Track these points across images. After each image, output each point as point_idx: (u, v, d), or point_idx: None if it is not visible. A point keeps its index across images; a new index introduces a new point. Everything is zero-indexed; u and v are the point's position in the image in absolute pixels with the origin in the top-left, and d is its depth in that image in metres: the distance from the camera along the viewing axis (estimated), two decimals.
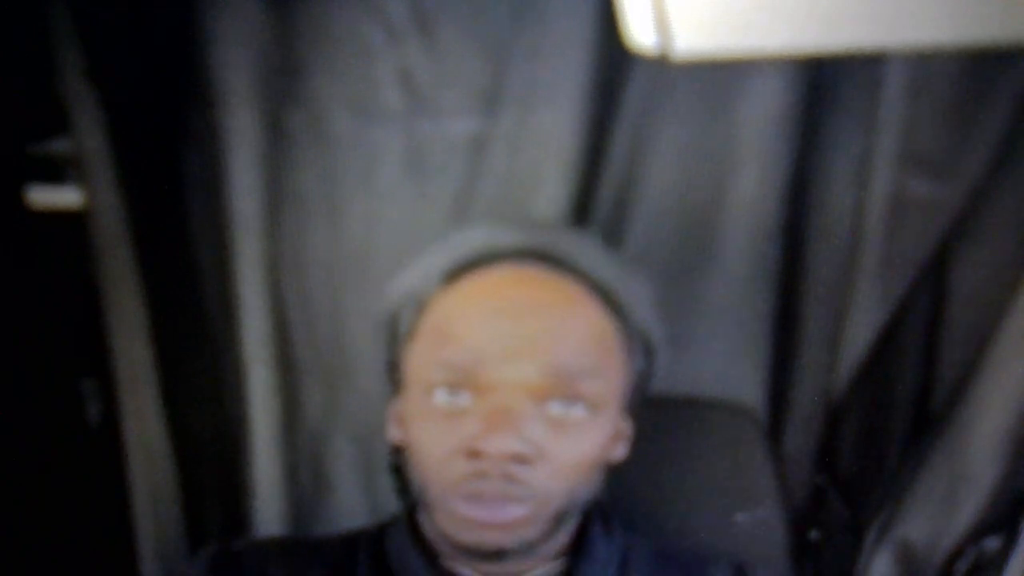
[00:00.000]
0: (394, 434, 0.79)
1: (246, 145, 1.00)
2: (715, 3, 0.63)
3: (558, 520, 0.75)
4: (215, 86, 0.99)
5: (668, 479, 0.96)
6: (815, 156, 0.99)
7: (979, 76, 0.91)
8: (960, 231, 0.96)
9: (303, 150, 1.01)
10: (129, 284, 0.99)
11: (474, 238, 0.78)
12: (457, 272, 0.77)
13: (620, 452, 0.81)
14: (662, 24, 0.65)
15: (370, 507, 1.07)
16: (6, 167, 1.04)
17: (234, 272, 1.02)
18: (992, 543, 0.91)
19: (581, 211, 1.02)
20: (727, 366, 1.03)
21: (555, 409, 0.73)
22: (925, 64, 0.92)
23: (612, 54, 0.96)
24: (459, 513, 0.73)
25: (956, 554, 0.93)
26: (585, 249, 0.78)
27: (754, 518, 0.95)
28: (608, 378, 0.76)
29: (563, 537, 0.79)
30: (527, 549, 0.75)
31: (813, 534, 1.03)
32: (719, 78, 0.97)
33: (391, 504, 0.95)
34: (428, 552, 0.79)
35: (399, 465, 0.81)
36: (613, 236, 1.02)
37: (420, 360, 0.76)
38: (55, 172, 1.05)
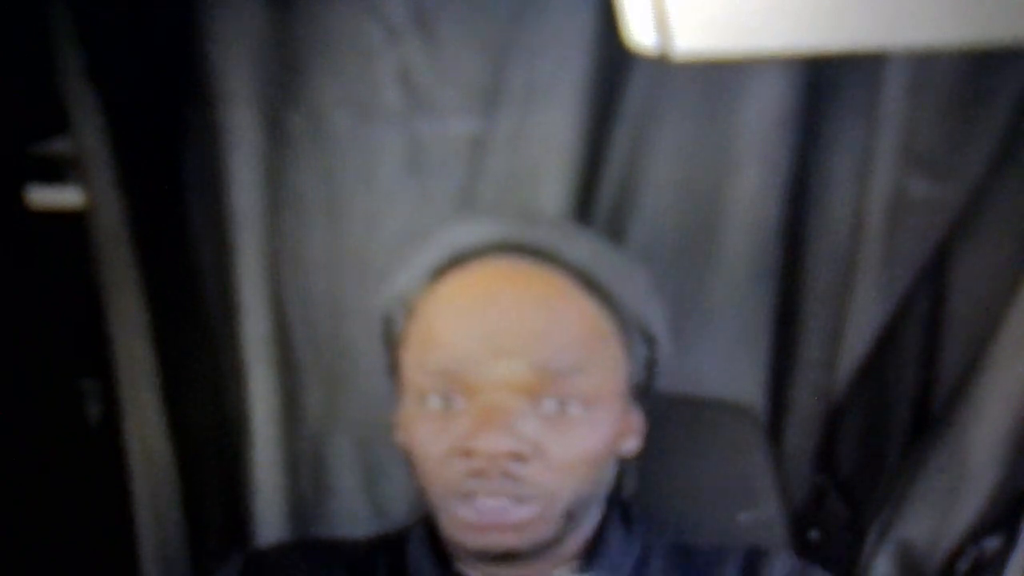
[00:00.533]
0: (399, 438, 0.79)
1: (246, 145, 1.00)
2: (715, 3, 0.63)
3: (569, 518, 0.74)
4: (215, 86, 0.99)
5: (667, 478, 0.96)
6: (815, 156, 0.99)
7: (979, 76, 0.91)
8: (960, 231, 0.96)
9: (303, 150, 1.01)
10: (129, 284, 0.99)
11: (455, 234, 0.76)
12: (440, 270, 0.75)
13: (632, 446, 0.80)
14: (662, 24, 0.65)
15: (371, 507, 1.07)
16: (6, 167, 1.04)
17: (234, 272, 1.02)
18: (992, 543, 0.91)
19: (581, 210, 1.02)
20: (727, 365, 1.03)
21: (549, 406, 0.72)
22: (926, 64, 0.92)
23: (612, 54, 0.96)
24: (460, 516, 0.72)
25: (956, 554, 0.93)
26: (570, 238, 0.76)
27: (756, 518, 0.95)
28: (602, 371, 0.74)
29: (579, 537, 0.78)
30: (539, 551, 0.74)
31: (813, 534, 1.03)
32: (719, 78, 0.97)
33: (392, 504, 0.95)
34: (443, 556, 0.79)
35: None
36: (613, 235, 1.02)
37: (411, 367, 0.75)
38: (55, 172, 1.05)
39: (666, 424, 0.96)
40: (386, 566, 0.81)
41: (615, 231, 1.02)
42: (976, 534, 0.92)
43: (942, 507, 0.93)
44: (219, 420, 1.05)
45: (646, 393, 0.80)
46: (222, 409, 1.05)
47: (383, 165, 1.02)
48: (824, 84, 0.97)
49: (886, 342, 0.99)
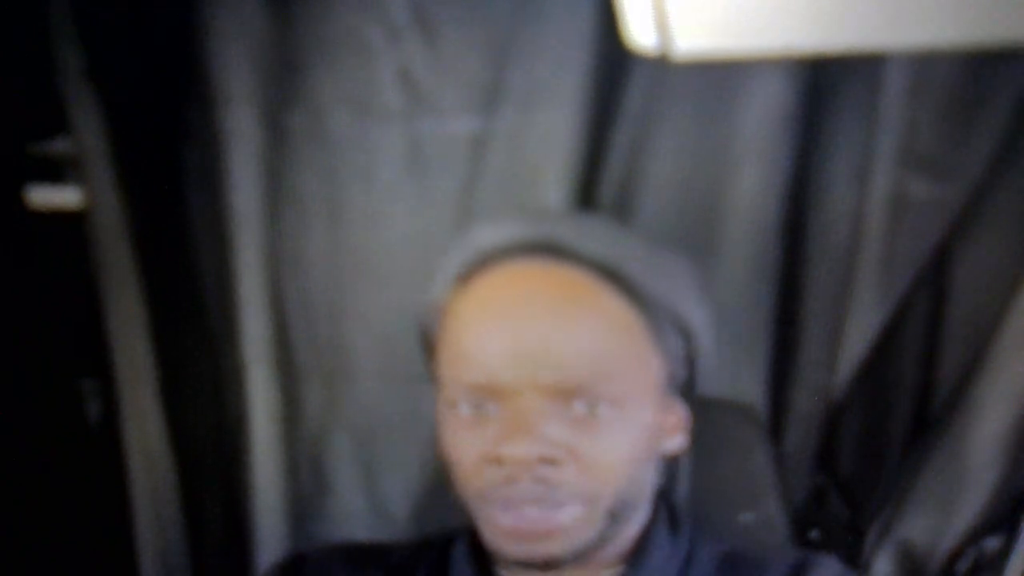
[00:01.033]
0: (440, 445, 0.77)
1: (246, 144, 1.00)
2: (715, 3, 0.63)
3: (613, 519, 0.73)
4: (215, 86, 0.99)
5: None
6: (815, 156, 0.99)
7: (979, 76, 0.91)
8: (960, 231, 0.96)
9: (303, 150, 1.02)
10: (129, 284, 0.99)
11: (479, 237, 0.75)
12: (467, 274, 0.74)
13: (677, 442, 0.78)
14: (662, 24, 0.65)
15: (370, 507, 1.07)
16: (6, 167, 1.04)
17: (234, 272, 1.02)
18: (992, 543, 0.91)
19: (581, 210, 1.02)
20: (727, 365, 1.03)
21: (579, 408, 0.71)
22: (926, 64, 0.92)
23: (612, 53, 0.96)
24: (498, 523, 0.71)
25: (956, 554, 0.93)
26: (593, 234, 0.74)
27: (758, 518, 0.95)
28: (632, 369, 0.73)
29: (623, 540, 0.77)
30: (580, 556, 0.72)
31: (813, 534, 1.03)
32: (719, 78, 0.97)
33: (392, 504, 0.95)
34: (485, 563, 0.78)
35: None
36: None
37: (442, 377, 0.75)
38: (55, 172, 1.05)
39: None
40: (428, 568, 0.81)
41: None
42: (976, 534, 0.92)
43: (942, 507, 0.93)
44: (219, 420, 1.05)
45: (689, 389, 0.78)
46: (222, 409, 1.05)
47: (383, 165, 1.02)
48: (824, 84, 0.97)
49: (886, 342, 0.99)
